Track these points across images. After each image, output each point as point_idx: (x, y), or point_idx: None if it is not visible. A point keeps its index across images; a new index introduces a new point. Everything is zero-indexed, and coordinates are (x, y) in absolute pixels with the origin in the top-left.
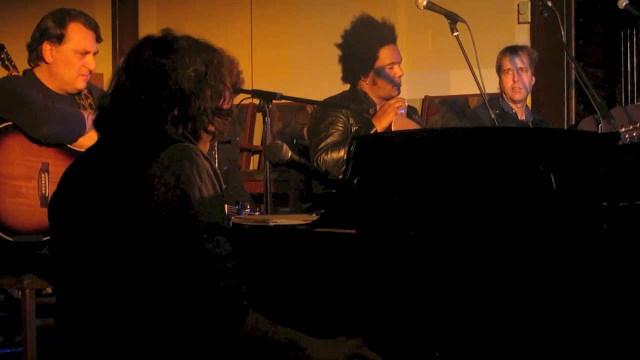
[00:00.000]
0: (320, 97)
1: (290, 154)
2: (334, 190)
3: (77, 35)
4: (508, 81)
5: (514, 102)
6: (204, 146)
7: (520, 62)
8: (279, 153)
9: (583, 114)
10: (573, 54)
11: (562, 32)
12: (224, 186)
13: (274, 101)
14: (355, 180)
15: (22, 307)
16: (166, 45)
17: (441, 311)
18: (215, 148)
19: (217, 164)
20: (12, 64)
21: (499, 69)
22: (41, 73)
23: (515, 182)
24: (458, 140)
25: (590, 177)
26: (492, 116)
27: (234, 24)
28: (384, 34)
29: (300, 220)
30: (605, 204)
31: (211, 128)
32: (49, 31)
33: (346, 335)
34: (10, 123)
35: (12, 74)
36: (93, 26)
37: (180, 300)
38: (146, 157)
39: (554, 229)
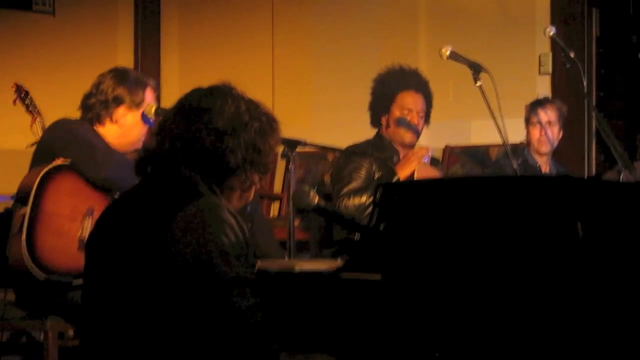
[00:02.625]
0: (343, 144)
1: (317, 199)
2: (357, 236)
3: (150, 100)
4: (535, 134)
5: (540, 154)
6: (237, 199)
7: (547, 116)
8: (306, 199)
9: (604, 165)
10: (594, 105)
11: (584, 83)
12: (250, 240)
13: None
14: (381, 227)
15: (44, 350)
16: (213, 88)
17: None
18: None
19: None
20: (37, 110)
21: (527, 121)
22: (106, 132)
23: (542, 230)
24: (484, 188)
25: (617, 226)
26: (515, 166)
27: (255, 73)
28: (408, 80)
29: (325, 265)
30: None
31: (250, 179)
32: (127, 98)
33: None
34: (67, 162)
35: (36, 120)
36: (157, 89)
37: (209, 353)
38: (172, 209)
39: (581, 276)
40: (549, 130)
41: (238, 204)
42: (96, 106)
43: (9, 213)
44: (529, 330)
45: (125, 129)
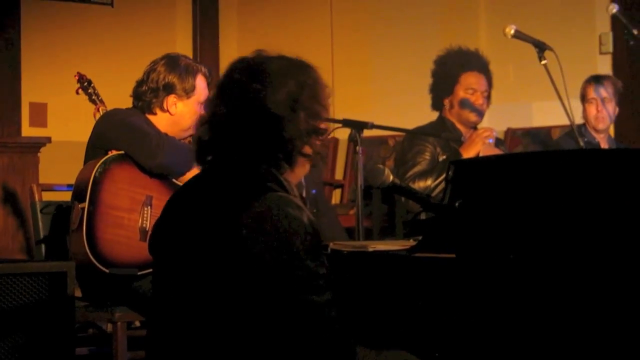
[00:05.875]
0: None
1: (392, 177)
2: (425, 217)
3: (201, 87)
4: (592, 110)
5: (597, 131)
6: (302, 171)
7: (605, 92)
8: (381, 176)
9: None
10: None
11: None
12: (321, 234)
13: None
14: (457, 204)
15: (113, 340)
16: (257, 68)
17: (543, 336)
18: None
19: (305, 188)
20: (100, 98)
21: (583, 98)
22: (158, 120)
23: (620, 204)
24: (561, 162)
25: None
26: (581, 144)
27: (315, 60)
28: (470, 60)
29: (398, 245)
30: None
31: (307, 150)
32: (177, 86)
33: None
34: (121, 153)
35: (100, 108)
36: (210, 75)
37: (283, 349)
38: (239, 205)
39: None
40: (606, 105)
41: (303, 173)
42: (147, 94)
43: (69, 208)
44: (609, 310)
45: (176, 117)
